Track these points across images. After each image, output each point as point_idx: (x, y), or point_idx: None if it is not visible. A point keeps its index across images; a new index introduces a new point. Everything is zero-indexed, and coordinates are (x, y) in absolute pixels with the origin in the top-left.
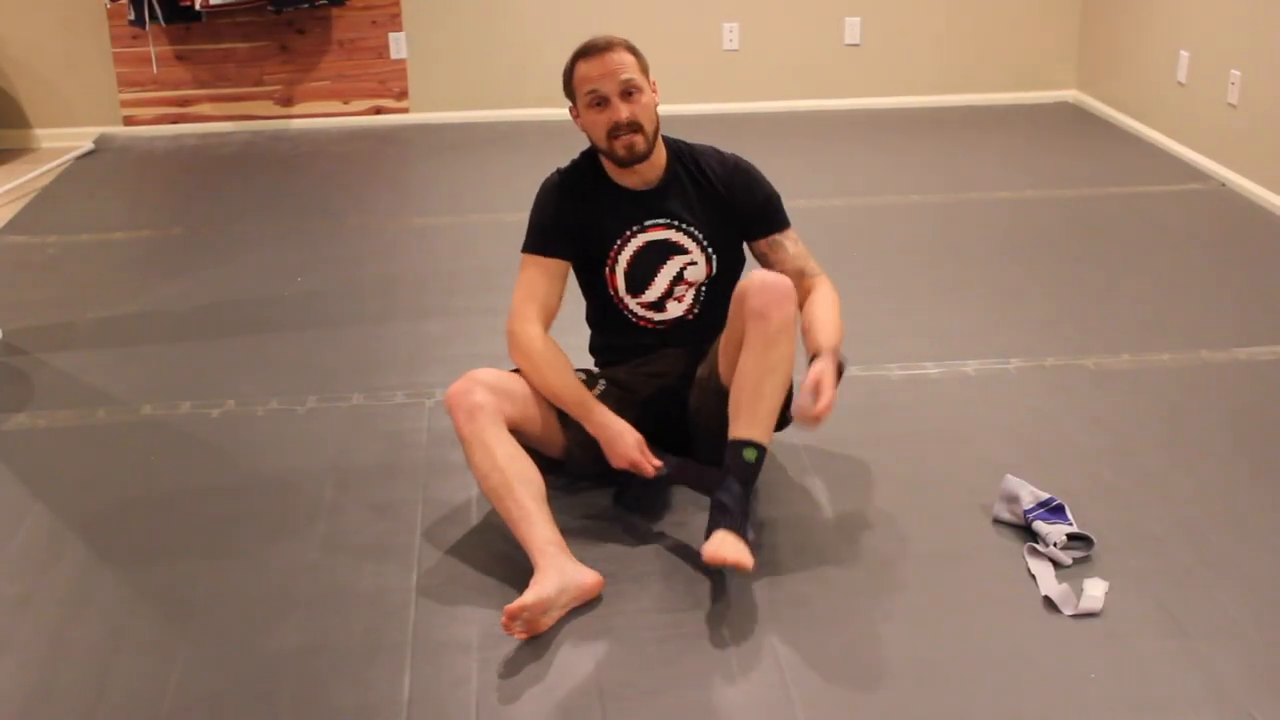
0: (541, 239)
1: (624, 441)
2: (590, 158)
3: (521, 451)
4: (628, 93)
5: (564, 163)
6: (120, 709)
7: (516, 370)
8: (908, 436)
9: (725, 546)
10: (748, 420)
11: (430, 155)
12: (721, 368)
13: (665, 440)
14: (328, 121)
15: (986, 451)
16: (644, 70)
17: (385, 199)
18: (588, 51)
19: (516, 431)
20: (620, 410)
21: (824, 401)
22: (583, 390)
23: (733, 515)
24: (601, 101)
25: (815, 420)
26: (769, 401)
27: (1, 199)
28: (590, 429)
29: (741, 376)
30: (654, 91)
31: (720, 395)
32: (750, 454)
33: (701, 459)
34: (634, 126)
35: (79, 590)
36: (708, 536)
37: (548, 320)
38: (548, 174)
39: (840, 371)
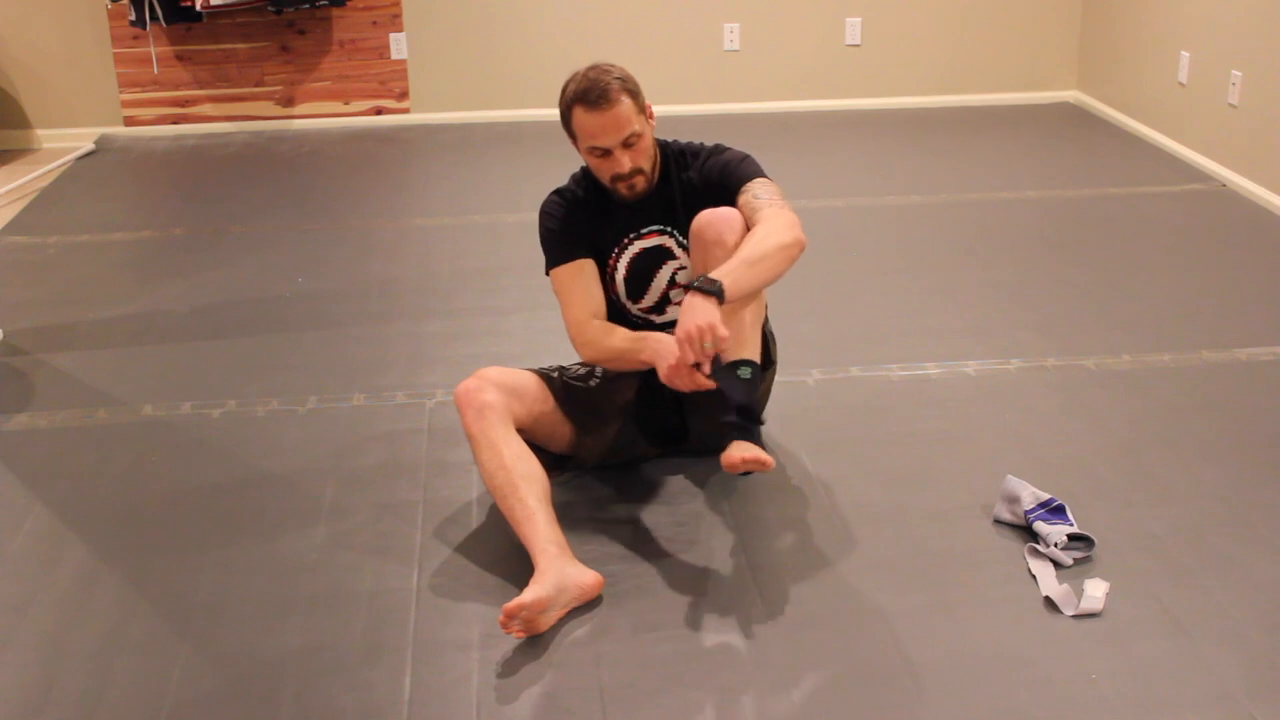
0: (560, 249)
1: (666, 347)
2: (586, 176)
3: (528, 451)
4: (629, 143)
5: (561, 169)
6: (120, 709)
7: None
8: (908, 436)
9: (741, 449)
10: (734, 343)
11: (431, 156)
12: None
13: (661, 411)
14: (328, 122)
15: (987, 452)
16: (641, 107)
17: (386, 200)
18: (587, 101)
19: (524, 429)
20: (620, 389)
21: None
22: (628, 336)
23: (742, 429)
24: (605, 154)
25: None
26: (748, 318)
27: (2, 199)
28: (647, 359)
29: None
30: (650, 119)
31: None
32: (745, 371)
33: (694, 426)
34: (635, 172)
35: (79, 590)
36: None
37: (597, 314)
38: (548, 176)
39: (714, 296)
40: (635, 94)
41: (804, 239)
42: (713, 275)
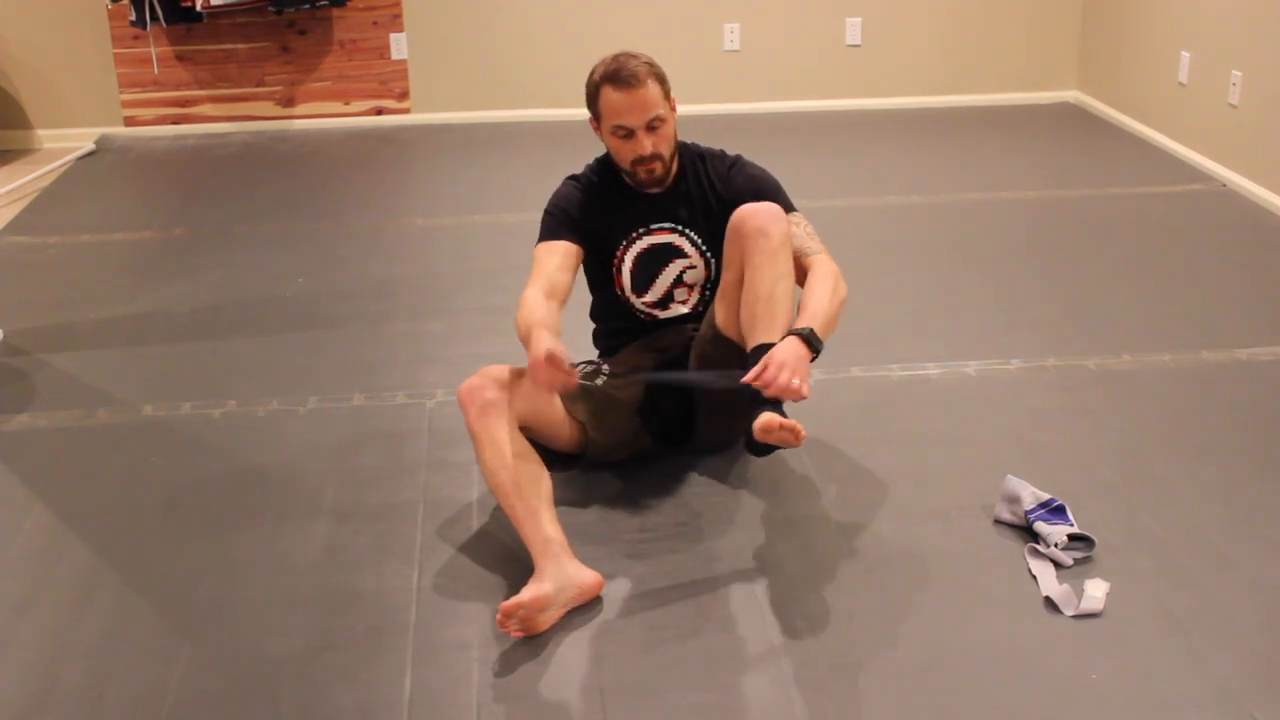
0: (552, 228)
1: (534, 356)
2: (603, 165)
3: (531, 450)
4: (652, 126)
5: (564, 166)
6: (121, 710)
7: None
8: (908, 436)
9: (774, 419)
10: (765, 326)
11: (431, 156)
12: (720, 317)
13: (668, 407)
14: (329, 122)
15: (987, 452)
16: (667, 94)
17: (386, 200)
18: (617, 80)
19: (527, 428)
20: (626, 387)
21: (776, 386)
22: (532, 323)
23: (769, 403)
24: (628, 134)
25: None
26: (783, 306)
27: (2, 199)
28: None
29: (752, 292)
30: (673, 109)
31: (720, 345)
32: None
33: (703, 425)
34: (655, 157)
35: (79, 590)
36: (750, 425)
37: (550, 292)
38: (548, 176)
39: (814, 353)
40: (662, 80)
41: (847, 292)
42: (807, 327)
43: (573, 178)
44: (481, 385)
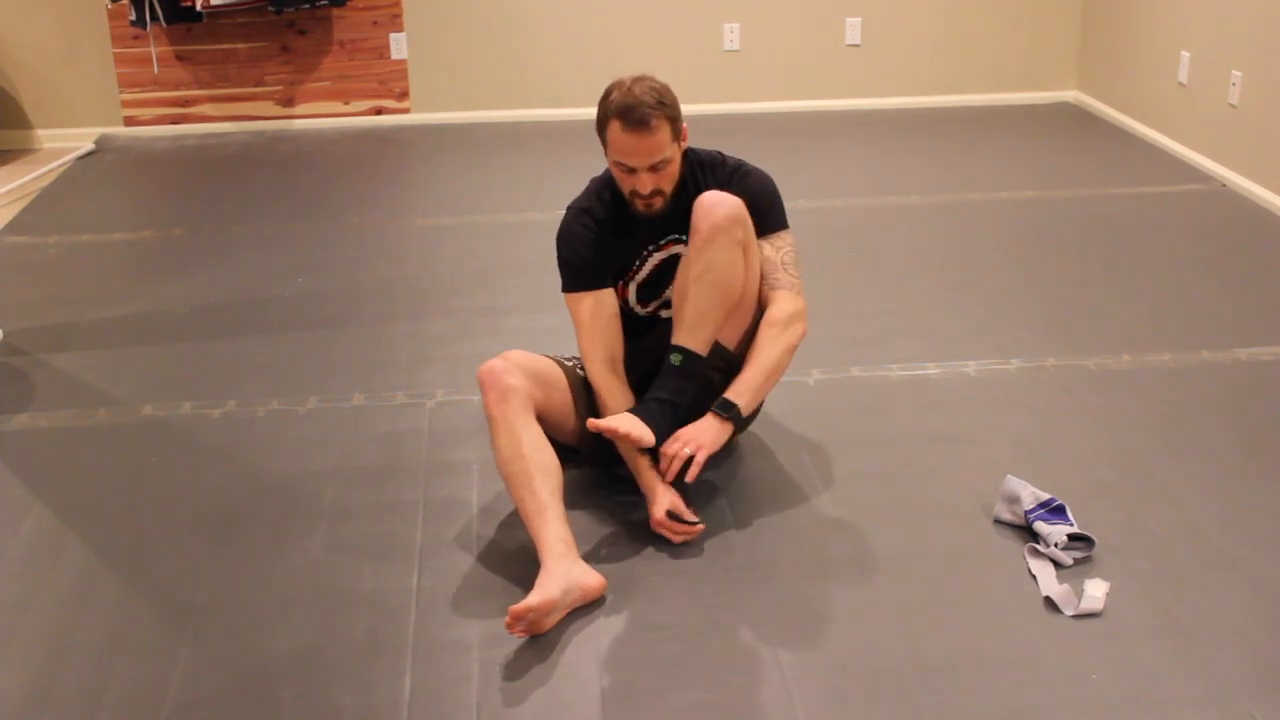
0: (580, 274)
1: (654, 517)
2: (606, 185)
3: (546, 443)
4: (656, 168)
5: (564, 166)
6: (121, 709)
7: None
8: (908, 436)
9: (619, 419)
10: (678, 327)
11: (431, 156)
12: None
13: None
14: (329, 122)
15: (987, 452)
16: (677, 133)
17: (386, 199)
18: (628, 120)
19: (539, 416)
20: (633, 384)
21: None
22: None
23: (645, 405)
24: (630, 170)
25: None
26: (695, 304)
27: (2, 199)
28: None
29: (676, 287)
30: (683, 140)
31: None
32: (675, 359)
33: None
34: (655, 194)
35: (79, 590)
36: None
37: (615, 354)
38: (548, 176)
39: (735, 430)
40: (675, 120)
41: (807, 328)
42: (732, 399)
43: (582, 210)
44: (504, 369)
